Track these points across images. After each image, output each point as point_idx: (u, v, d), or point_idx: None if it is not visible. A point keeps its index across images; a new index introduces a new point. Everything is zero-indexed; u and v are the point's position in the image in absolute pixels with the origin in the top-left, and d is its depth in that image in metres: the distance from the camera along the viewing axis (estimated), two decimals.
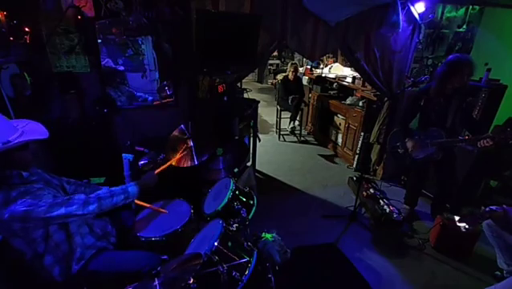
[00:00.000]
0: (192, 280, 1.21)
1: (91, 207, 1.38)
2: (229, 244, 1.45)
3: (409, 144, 2.68)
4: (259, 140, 3.60)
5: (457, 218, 2.44)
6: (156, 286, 1.10)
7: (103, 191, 1.48)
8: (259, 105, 3.53)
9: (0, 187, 1.27)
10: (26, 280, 1.55)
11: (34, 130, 1.37)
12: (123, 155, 2.47)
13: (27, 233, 1.34)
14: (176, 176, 2.13)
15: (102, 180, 2.28)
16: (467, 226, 1.88)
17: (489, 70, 3.11)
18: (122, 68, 2.87)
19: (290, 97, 5.05)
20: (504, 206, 1.88)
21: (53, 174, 1.64)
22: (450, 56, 2.40)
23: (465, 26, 3.52)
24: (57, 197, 1.35)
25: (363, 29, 2.99)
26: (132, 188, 1.59)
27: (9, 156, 1.28)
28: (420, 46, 3.35)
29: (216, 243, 1.40)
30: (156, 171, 1.80)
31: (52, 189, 1.44)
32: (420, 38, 3.25)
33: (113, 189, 1.52)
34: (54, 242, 1.41)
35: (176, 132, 2.23)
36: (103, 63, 2.66)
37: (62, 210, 1.30)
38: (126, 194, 1.53)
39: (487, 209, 1.88)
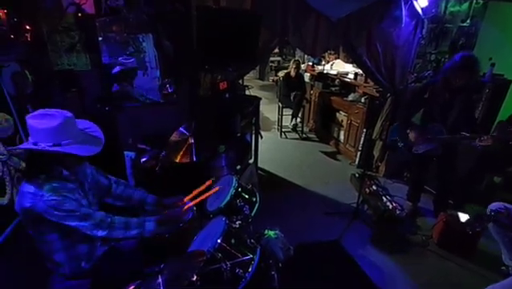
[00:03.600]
0: (195, 277, 1.21)
1: (100, 233, 1.37)
2: (233, 241, 1.44)
3: (411, 136, 2.65)
4: (261, 138, 3.59)
5: (462, 217, 2.43)
6: (159, 283, 1.10)
7: (119, 219, 1.43)
8: (261, 102, 3.51)
9: (39, 177, 1.30)
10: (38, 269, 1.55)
11: (86, 141, 1.37)
12: (125, 152, 2.46)
13: (41, 234, 1.36)
14: (178, 173, 2.13)
15: None
16: (477, 229, 1.91)
17: (493, 65, 3.08)
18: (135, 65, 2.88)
19: (293, 93, 5.02)
20: (505, 205, 1.87)
21: (101, 173, 1.66)
22: (457, 54, 2.39)
23: (468, 21, 3.48)
24: (80, 206, 1.33)
25: (365, 24, 2.96)
26: (150, 224, 1.47)
27: (59, 155, 1.29)
28: (423, 42, 3.31)
29: (219, 240, 1.39)
30: (186, 206, 1.62)
31: (81, 193, 1.43)
32: (423, 33, 3.21)
33: (130, 220, 1.45)
34: (71, 242, 1.42)
35: (175, 136, 2.22)
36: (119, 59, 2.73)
37: (74, 223, 1.31)
38: (141, 230, 1.45)
39: (492, 210, 1.88)
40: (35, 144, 1.26)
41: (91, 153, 1.35)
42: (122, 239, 1.47)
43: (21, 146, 1.34)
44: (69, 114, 1.32)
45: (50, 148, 1.25)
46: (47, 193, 1.26)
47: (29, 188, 1.28)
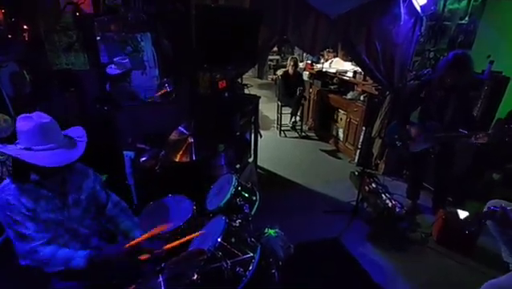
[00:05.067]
0: (196, 276, 1.21)
1: (22, 261, 1.31)
2: (233, 240, 1.45)
3: (413, 131, 2.64)
4: (260, 136, 3.59)
5: (461, 214, 2.44)
6: (160, 282, 1.10)
7: (48, 250, 1.29)
8: (260, 101, 3.51)
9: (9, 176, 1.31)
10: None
11: (64, 148, 1.31)
12: (125, 152, 2.46)
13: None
14: (178, 172, 2.13)
15: (104, 177, 2.28)
16: (472, 228, 1.93)
17: (491, 62, 3.08)
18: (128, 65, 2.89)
19: (299, 88, 4.98)
20: (502, 205, 1.88)
21: (104, 190, 1.61)
22: (450, 53, 2.40)
23: (467, 18, 3.47)
24: (27, 220, 1.27)
25: (364, 22, 2.96)
26: (78, 261, 1.29)
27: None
28: (421, 39, 3.32)
29: (219, 239, 1.40)
30: (128, 245, 1.34)
31: (56, 204, 1.38)
32: (422, 30, 3.22)
33: (59, 253, 1.30)
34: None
35: (174, 135, 2.22)
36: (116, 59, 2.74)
37: (11, 235, 1.28)
38: (66, 266, 1.30)
39: (488, 209, 1.89)
40: (16, 144, 1.26)
41: (57, 164, 1.25)
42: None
43: (5, 150, 1.30)
44: (47, 119, 1.28)
45: (15, 153, 1.22)
46: (11, 192, 1.26)
47: (5, 181, 1.29)
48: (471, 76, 2.38)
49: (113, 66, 2.80)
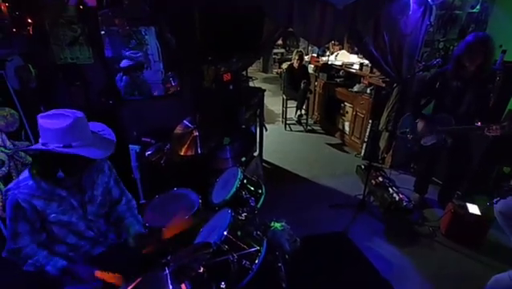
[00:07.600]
0: (202, 269, 1.21)
1: (4, 253, 1.34)
2: (239, 233, 1.44)
3: (420, 126, 2.58)
4: (266, 130, 3.57)
5: (471, 207, 2.39)
6: (166, 275, 1.10)
7: (29, 250, 1.32)
8: (265, 95, 3.48)
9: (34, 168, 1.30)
10: None
11: (96, 144, 1.31)
12: (130, 146, 2.46)
13: None
14: (183, 166, 2.12)
15: None
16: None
17: (504, 52, 2.99)
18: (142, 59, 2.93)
19: (303, 81, 4.91)
20: None
21: (118, 185, 1.63)
22: (469, 35, 2.28)
23: (478, 7, 3.36)
24: (21, 222, 1.29)
25: (372, 12, 2.88)
26: (51, 269, 1.32)
27: (62, 155, 1.22)
28: (431, 29, 3.22)
29: (225, 232, 1.39)
30: (99, 274, 1.28)
31: (71, 204, 1.38)
32: (432, 20, 3.12)
33: (38, 256, 1.32)
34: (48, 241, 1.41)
35: (180, 128, 2.21)
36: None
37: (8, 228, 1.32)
38: (39, 270, 1.32)
39: None
40: (44, 144, 1.22)
41: (101, 156, 1.31)
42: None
43: (31, 147, 1.30)
44: (81, 114, 1.27)
45: (60, 150, 1.20)
46: (26, 190, 1.26)
47: (23, 174, 1.30)
48: (492, 61, 2.24)
49: (126, 60, 2.83)
